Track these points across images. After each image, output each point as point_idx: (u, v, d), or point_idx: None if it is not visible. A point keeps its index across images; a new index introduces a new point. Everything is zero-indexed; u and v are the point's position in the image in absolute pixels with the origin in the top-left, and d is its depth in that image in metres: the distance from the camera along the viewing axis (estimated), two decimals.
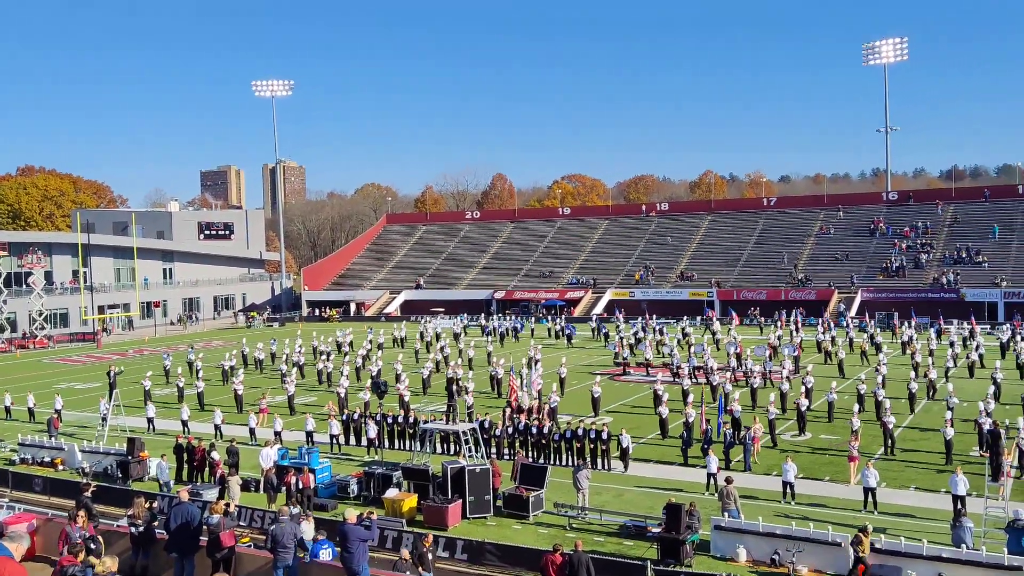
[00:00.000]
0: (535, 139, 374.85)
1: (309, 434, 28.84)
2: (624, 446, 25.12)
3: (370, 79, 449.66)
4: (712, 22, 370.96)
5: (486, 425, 26.98)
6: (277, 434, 28.66)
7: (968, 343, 46.14)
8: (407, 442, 27.92)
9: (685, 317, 65.34)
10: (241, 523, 20.20)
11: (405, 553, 16.11)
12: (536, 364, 38.91)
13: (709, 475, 22.81)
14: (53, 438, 30.22)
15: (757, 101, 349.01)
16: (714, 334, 54.56)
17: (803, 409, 29.15)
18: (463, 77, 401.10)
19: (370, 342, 52.43)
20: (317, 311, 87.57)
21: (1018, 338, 46.70)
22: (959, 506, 19.32)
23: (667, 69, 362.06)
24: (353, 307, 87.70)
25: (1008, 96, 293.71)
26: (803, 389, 31.96)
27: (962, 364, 41.05)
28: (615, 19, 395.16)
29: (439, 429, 24.92)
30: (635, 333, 54.73)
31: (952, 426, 25.47)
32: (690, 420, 26.92)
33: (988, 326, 58.08)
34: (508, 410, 28.99)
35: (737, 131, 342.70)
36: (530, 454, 26.06)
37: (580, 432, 25.67)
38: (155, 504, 18.35)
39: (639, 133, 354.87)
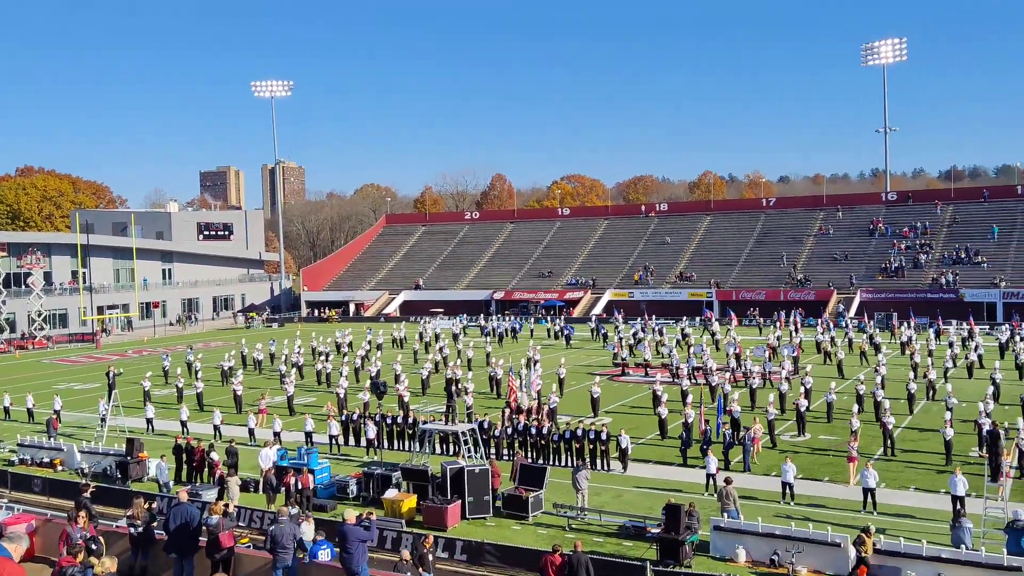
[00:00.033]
0: (534, 139, 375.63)
1: (308, 435, 28.83)
2: (623, 447, 25.12)
3: (369, 79, 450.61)
4: (712, 22, 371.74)
5: (485, 426, 26.98)
6: (276, 435, 28.65)
7: (967, 343, 46.16)
8: (406, 443, 27.91)
9: (684, 318, 65.33)
10: (240, 524, 20.18)
11: (405, 554, 16.11)
12: (535, 365, 38.90)
13: (708, 476, 22.81)
14: (52, 439, 30.21)
15: (756, 101, 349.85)
16: (713, 335, 54.56)
17: (802, 410, 29.16)
18: (463, 77, 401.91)
19: (369, 343, 52.41)
20: (316, 312, 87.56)
21: (1017, 338, 46.69)
22: (958, 507, 19.32)
23: (667, 69, 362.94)
24: (352, 308, 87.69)
25: (1007, 96, 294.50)
26: (802, 390, 31.97)
27: (961, 365, 41.05)
28: (615, 19, 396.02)
29: (438, 430, 24.92)
30: (634, 334, 54.73)
31: (951, 426, 25.49)
32: (689, 421, 26.93)
33: (987, 326, 58.10)
34: (507, 411, 28.99)
35: (736, 131, 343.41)
36: (529, 455, 26.05)
37: (579, 433, 25.66)
38: (154, 505, 18.35)
39: (638, 133, 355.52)
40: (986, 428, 24.41)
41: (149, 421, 33.04)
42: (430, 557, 16.20)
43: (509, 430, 27.24)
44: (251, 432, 30.18)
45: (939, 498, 21.44)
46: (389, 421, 28.74)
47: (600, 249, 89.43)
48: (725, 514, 19.24)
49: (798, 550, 17.31)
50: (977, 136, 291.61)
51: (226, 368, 45.13)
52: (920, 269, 72.23)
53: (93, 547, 12.72)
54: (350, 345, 53.14)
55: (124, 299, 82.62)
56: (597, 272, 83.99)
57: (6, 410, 36.96)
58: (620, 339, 50.34)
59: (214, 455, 24.97)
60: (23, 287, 74.98)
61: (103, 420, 31.44)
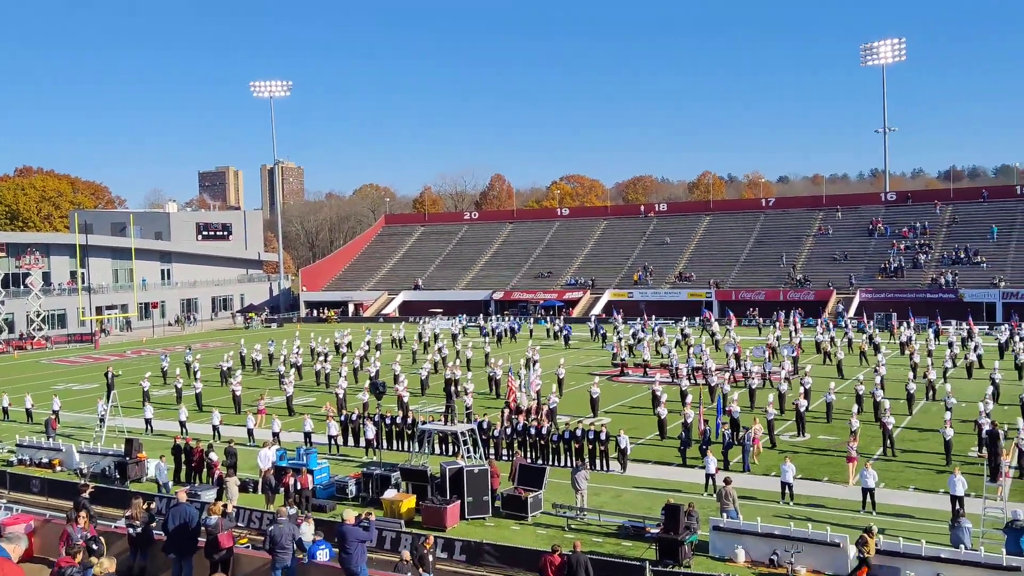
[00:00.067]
0: (534, 139, 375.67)
1: (307, 435, 28.81)
2: (622, 447, 25.11)
3: (369, 79, 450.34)
4: (711, 22, 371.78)
5: (484, 426, 26.98)
6: (275, 435, 28.63)
7: (967, 344, 46.17)
8: (405, 443, 27.90)
9: (684, 318, 65.33)
10: (239, 524, 20.16)
11: (406, 554, 16.10)
12: (534, 365, 38.89)
13: (708, 476, 22.81)
14: (51, 439, 30.17)
15: (756, 101, 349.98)
16: (713, 335, 54.57)
17: (802, 410, 29.16)
18: (462, 77, 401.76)
19: (368, 343, 52.39)
20: (315, 312, 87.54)
21: (1016, 338, 46.71)
22: (957, 507, 19.33)
23: (666, 69, 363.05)
24: (351, 308, 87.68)
25: (1006, 96, 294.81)
26: (802, 390, 31.97)
27: (961, 365, 41.06)
28: (615, 19, 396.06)
29: (437, 430, 24.90)
30: (634, 334, 54.73)
31: (951, 427, 25.48)
32: (688, 421, 26.93)
33: (986, 326, 58.11)
34: (506, 411, 28.99)
35: (736, 132, 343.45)
36: (528, 455, 26.04)
37: (578, 433, 25.65)
38: (153, 505, 18.32)
39: (638, 134, 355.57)
40: (986, 428, 24.41)
41: (148, 421, 33.01)
42: (430, 558, 16.19)
43: (508, 430, 27.24)
44: (250, 432, 30.16)
45: (938, 498, 21.44)
46: (388, 421, 28.72)
47: (599, 249, 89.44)
48: (724, 514, 19.23)
49: (797, 550, 17.31)
50: (976, 136, 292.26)
51: (225, 368, 45.12)
52: (919, 269, 72.27)
53: (94, 547, 12.72)
54: (349, 346, 53.13)
55: (123, 299, 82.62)
56: (596, 272, 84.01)
57: (5, 410, 36.92)
58: (620, 339, 50.34)
59: (213, 455, 24.96)
60: (22, 287, 74.94)
61: (102, 420, 31.44)
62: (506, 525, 20.86)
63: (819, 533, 17.72)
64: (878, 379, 34.17)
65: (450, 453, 26.37)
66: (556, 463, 25.57)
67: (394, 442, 28.48)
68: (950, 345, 44.67)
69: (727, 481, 20.09)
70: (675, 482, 23.91)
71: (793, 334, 52.79)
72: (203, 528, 14.39)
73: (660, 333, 55.36)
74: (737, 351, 42.47)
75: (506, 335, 61.23)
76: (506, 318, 72.08)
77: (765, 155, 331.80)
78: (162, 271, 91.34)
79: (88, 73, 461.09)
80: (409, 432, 27.85)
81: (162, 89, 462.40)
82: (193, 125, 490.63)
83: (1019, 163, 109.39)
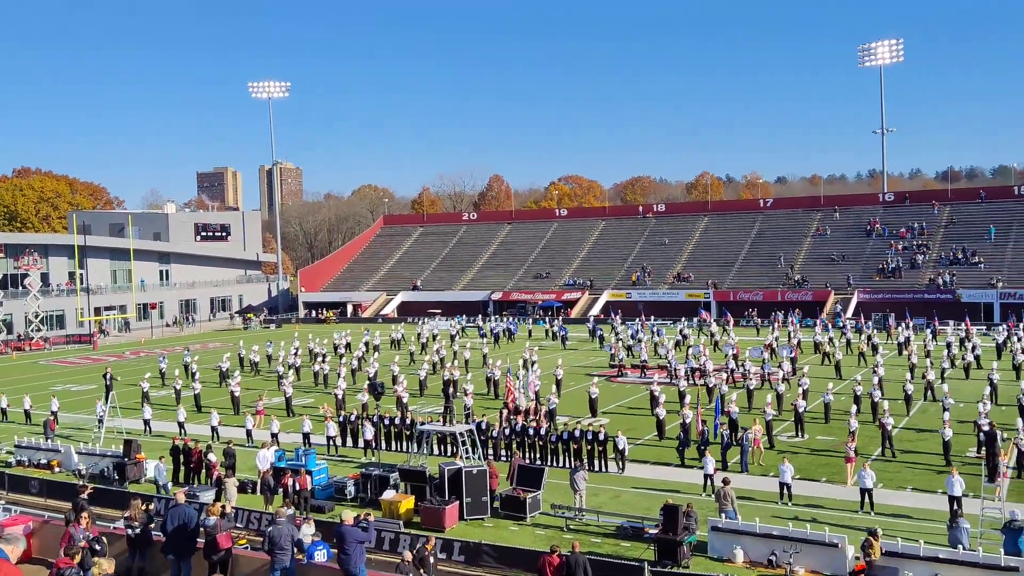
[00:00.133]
0: (532, 140, 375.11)
1: (306, 436, 28.80)
2: (621, 447, 25.13)
3: (368, 79, 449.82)
4: (710, 23, 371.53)
5: (483, 426, 26.99)
6: (274, 436, 28.60)
7: (964, 344, 46.24)
8: (404, 443, 27.91)
9: (683, 318, 65.38)
10: (238, 525, 20.15)
11: (407, 555, 16.09)
12: (533, 365, 38.91)
13: (706, 476, 22.83)
14: (49, 440, 30.12)
15: (754, 102, 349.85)
16: (712, 335, 54.61)
17: (800, 410, 29.19)
18: (462, 77, 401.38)
19: (366, 344, 52.41)
20: (314, 313, 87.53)
21: (1014, 339, 46.79)
22: (955, 507, 19.35)
23: (665, 70, 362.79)
24: (350, 309, 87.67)
25: (1004, 97, 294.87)
26: (800, 390, 31.99)
27: (959, 365, 41.11)
28: (615, 19, 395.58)
29: (436, 430, 24.92)
30: (632, 334, 54.76)
31: (949, 427, 25.51)
32: (687, 421, 26.95)
33: (984, 327, 58.19)
34: (505, 411, 29.01)
35: (734, 132, 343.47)
36: (527, 455, 26.06)
37: (577, 433, 25.67)
38: (152, 506, 18.33)
39: (636, 134, 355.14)
40: (984, 428, 24.44)
41: (147, 422, 32.99)
42: (431, 559, 16.20)
43: (507, 431, 27.24)
44: (249, 433, 30.16)
45: (936, 498, 21.47)
46: (387, 422, 28.73)
47: (598, 250, 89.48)
48: (723, 514, 19.25)
49: (796, 550, 17.33)
50: (974, 137, 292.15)
51: (223, 369, 45.11)
52: (917, 269, 72.35)
53: (96, 547, 12.73)
54: (347, 346, 53.11)
55: (121, 300, 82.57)
56: (595, 273, 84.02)
57: (3, 411, 36.87)
58: (618, 340, 50.38)
59: (212, 456, 24.95)
60: (20, 288, 74.89)
61: (100, 421, 31.42)
62: (505, 526, 20.87)
63: (817, 533, 17.74)
64: (876, 379, 34.19)
65: (449, 454, 26.37)
66: (555, 464, 25.58)
67: (393, 443, 28.48)
68: (948, 345, 44.73)
69: (725, 481, 20.11)
70: (673, 482, 23.92)
71: (792, 335, 52.85)
72: (202, 529, 14.40)
73: (658, 334, 55.39)
74: (735, 352, 42.52)
75: (503, 336, 61.26)
76: (504, 319, 72.09)
77: (763, 155, 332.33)
78: (160, 272, 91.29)
79: (87, 73, 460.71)
80: (408, 433, 27.86)
81: (161, 89, 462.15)
82: (192, 126, 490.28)
83: (1017, 164, 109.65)
